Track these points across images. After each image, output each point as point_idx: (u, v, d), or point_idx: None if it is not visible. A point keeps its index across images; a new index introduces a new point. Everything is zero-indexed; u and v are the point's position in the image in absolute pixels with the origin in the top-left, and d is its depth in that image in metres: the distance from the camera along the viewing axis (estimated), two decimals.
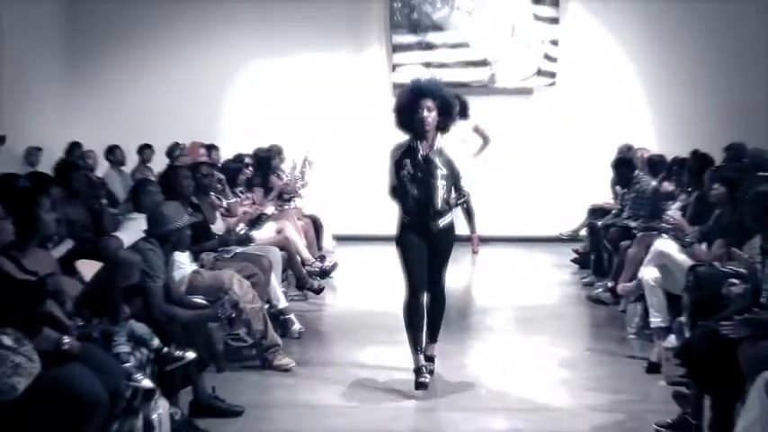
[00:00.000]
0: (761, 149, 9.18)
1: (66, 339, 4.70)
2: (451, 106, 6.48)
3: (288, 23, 13.40)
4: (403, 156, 6.41)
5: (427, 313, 6.65)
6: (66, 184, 7.74)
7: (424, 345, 6.62)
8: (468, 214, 11.73)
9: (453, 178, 6.40)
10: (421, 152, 6.37)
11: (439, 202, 6.34)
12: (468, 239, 11.74)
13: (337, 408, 6.27)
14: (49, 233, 5.47)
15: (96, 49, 13.57)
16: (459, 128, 11.85)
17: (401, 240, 6.58)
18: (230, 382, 6.60)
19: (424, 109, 6.32)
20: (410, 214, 6.47)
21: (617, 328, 8.20)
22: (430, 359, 6.70)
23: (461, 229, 9.02)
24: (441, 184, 6.33)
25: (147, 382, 5.08)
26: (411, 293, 6.55)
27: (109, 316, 5.23)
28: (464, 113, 11.92)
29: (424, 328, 6.65)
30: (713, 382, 5.27)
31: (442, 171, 6.33)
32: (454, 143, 6.56)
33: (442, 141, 6.43)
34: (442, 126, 6.45)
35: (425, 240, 6.49)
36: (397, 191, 6.49)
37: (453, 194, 6.43)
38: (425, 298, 6.61)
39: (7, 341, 4.23)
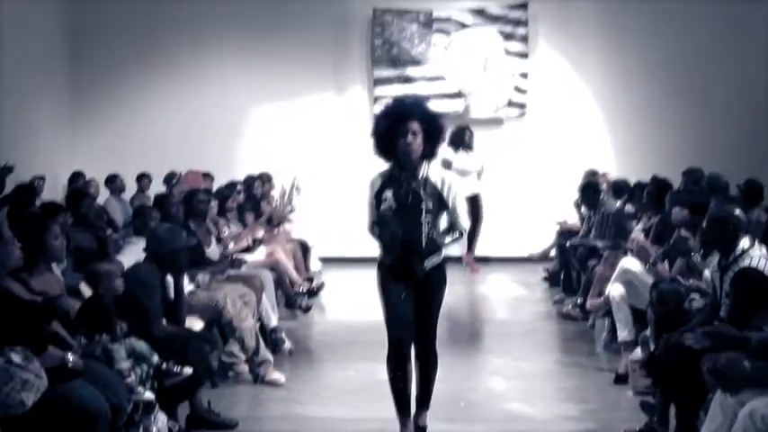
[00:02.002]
0: (717, 173, 9.24)
1: (71, 357, 4.69)
2: (439, 129, 5.34)
3: (278, 66, 13.40)
4: (384, 187, 5.29)
5: (416, 374, 5.53)
6: (75, 212, 7.74)
7: (413, 412, 5.56)
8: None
9: (443, 211, 5.30)
10: (404, 183, 5.25)
11: (423, 242, 5.20)
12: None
13: (328, 420, 6.25)
14: (57, 258, 5.47)
15: (98, 85, 13.51)
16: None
17: (382, 285, 5.42)
18: (225, 397, 6.59)
19: (409, 133, 5.17)
20: (392, 254, 5.30)
21: (586, 342, 8.21)
22: (421, 430, 5.59)
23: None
24: (425, 221, 5.18)
25: (148, 395, 5.09)
26: (393, 347, 5.38)
27: (104, 330, 5.22)
28: (458, 145, 12.03)
29: (413, 389, 5.55)
30: (678, 392, 5.33)
31: (427, 205, 5.18)
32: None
33: (428, 169, 5.31)
34: (428, 152, 5.30)
35: (410, 285, 5.31)
36: (378, 227, 5.35)
37: (443, 231, 5.34)
38: (412, 353, 5.47)
39: (16, 359, 4.23)
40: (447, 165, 11.50)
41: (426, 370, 5.53)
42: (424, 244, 5.22)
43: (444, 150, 11.44)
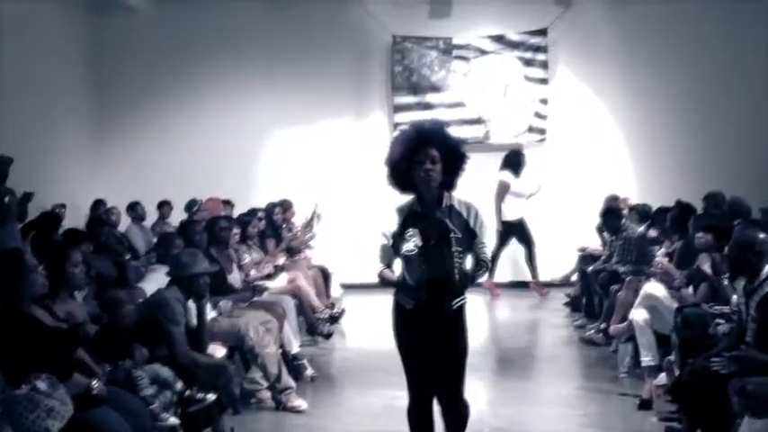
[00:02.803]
0: (738, 197, 9.17)
1: (96, 384, 4.69)
2: (460, 158, 4.78)
3: (298, 92, 13.46)
4: (405, 225, 4.72)
5: (446, 429, 5.03)
6: (95, 239, 7.75)
7: None
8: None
9: (472, 242, 4.78)
10: (428, 215, 4.71)
11: (455, 276, 4.63)
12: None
13: None
14: (77, 286, 5.48)
15: (120, 113, 13.61)
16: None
17: (400, 333, 4.88)
18: (247, 423, 6.59)
19: (428, 160, 4.65)
20: (418, 297, 4.68)
21: (609, 367, 8.14)
22: None
23: None
24: (456, 253, 4.64)
25: (172, 420, 5.07)
26: (416, 402, 4.95)
27: (119, 356, 5.22)
28: (517, 167, 12.15)
29: None
30: (704, 417, 5.26)
31: (456, 234, 4.65)
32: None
33: (450, 198, 4.82)
34: (447, 183, 4.78)
35: (433, 331, 4.73)
36: (402, 270, 4.75)
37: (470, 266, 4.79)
38: (434, 407, 5.00)
39: (42, 386, 4.21)
40: (505, 188, 11.93)
41: (456, 427, 5.00)
42: (457, 279, 4.65)
43: (502, 174, 12.06)
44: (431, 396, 4.94)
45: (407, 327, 4.83)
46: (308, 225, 11.05)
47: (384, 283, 4.84)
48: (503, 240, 12.16)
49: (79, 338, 5.03)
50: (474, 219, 4.80)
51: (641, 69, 13.22)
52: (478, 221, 4.82)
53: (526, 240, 12.28)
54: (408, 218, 4.76)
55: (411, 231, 4.66)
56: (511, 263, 12.78)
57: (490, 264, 5.08)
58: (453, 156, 4.76)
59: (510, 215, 12.10)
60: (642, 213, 10.17)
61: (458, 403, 4.94)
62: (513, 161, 12.16)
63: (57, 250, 5.45)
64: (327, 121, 13.58)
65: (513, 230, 12.18)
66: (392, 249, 4.78)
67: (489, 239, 5.31)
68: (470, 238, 4.76)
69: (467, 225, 4.76)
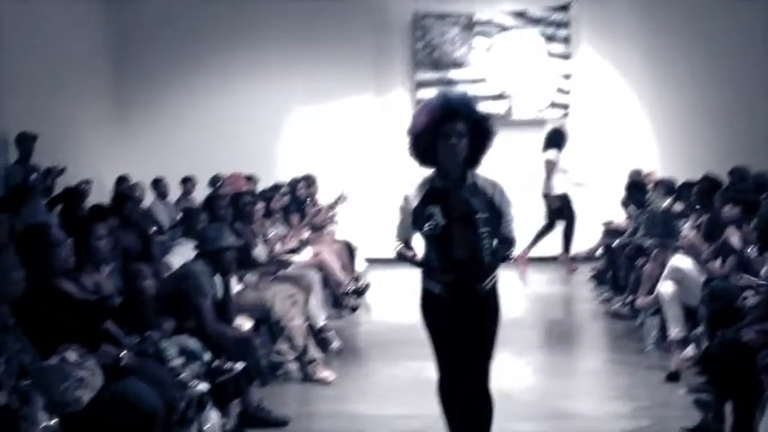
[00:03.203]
0: (763, 171, 9.08)
1: (124, 354, 4.70)
2: (487, 133, 4.47)
3: (320, 69, 13.39)
4: (426, 202, 4.43)
5: (466, 419, 4.68)
6: (121, 214, 7.75)
7: None
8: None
9: (498, 221, 4.47)
10: (452, 193, 4.42)
11: (486, 256, 4.37)
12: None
13: (377, 418, 6.20)
14: (101, 259, 5.47)
15: (142, 90, 13.63)
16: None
17: (428, 317, 4.62)
18: (275, 395, 6.58)
19: (454, 134, 4.34)
20: (444, 280, 4.45)
21: (635, 340, 8.08)
22: None
23: None
24: (484, 232, 4.36)
25: (201, 386, 5.06)
26: (447, 375, 4.68)
27: (146, 327, 5.22)
28: (560, 145, 12.01)
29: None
30: (734, 389, 5.19)
31: (483, 214, 4.37)
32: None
33: (475, 175, 4.51)
34: (472, 159, 4.48)
35: (463, 314, 4.47)
36: (424, 250, 4.51)
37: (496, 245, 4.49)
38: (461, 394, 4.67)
39: (72, 357, 4.21)
40: (552, 166, 11.84)
41: (479, 417, 4.65)
42: (486, 260, 4.38)
43: (547, 153, 11.94)
44: (459, 378, 4.62)
45: (437, 312, 4.55)
46: (332, 206, 11.04)
47: (402, 260, 4.58)
48: (552, 217, 12.12)
49: (107, 310, 5.02)
50: (500, 197, 4.48)
51: (663, 44, 13.13)
52: (504, 199, 4.50)
53: (569, 215, 12.17)
54: (429, 194, 4.45)
55: (432, 209, 4.36)
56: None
57: (515, 241, 4.57)
58: (480, 131, 4.45)
59: (557, 190, 12.02)
60: (667, 187, 10.08)
61: (482, 395, 4.61)
62: (557, 139, 12.05)
63: (82, 224, 5.46)
64: (348, 98, 13.55)
65: (559, 205, 12.08)
66: (411, 225, 4.51)
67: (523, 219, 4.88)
68: (497, 217, 4.44)
69: (492, 204, 4.44)
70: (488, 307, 4.56)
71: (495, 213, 4.44)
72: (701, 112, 13.07)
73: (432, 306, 4.57)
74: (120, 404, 4.32)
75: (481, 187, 4.47)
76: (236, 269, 6.64)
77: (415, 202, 4.47)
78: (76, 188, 9.94)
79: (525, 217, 4.31)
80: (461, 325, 4.50)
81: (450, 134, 4.35)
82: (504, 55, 13.34)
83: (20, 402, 3.75)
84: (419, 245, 4.56)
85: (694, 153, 12.46)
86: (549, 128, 12.85)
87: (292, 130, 13.65)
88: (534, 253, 12.50)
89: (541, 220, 12.29)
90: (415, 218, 4.46)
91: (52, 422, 3.71)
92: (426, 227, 4.35)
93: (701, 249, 7.18)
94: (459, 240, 4.37)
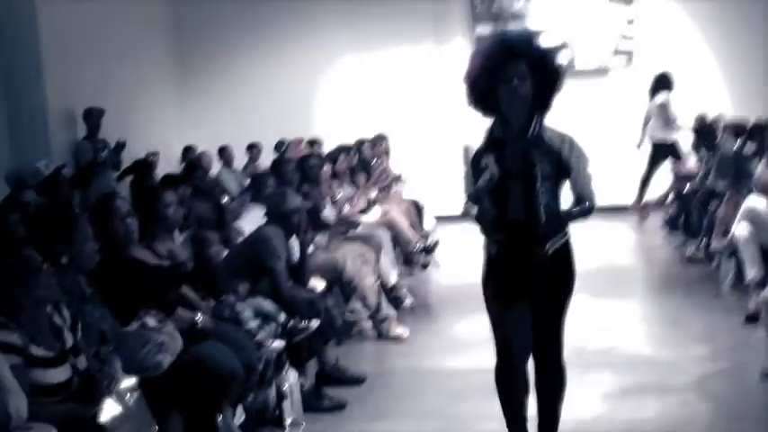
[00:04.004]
0: None
1: (201, 317, 4.76)
2: (554, 73, 3.94)
3: (378, 19, 13.27)
4: (483, 152, 3.97)
5: (537, 396, 4.25)
6: (192, 183, 7.85)
7: None
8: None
9: (564, 179, 3.98)
10: (510, 144, 3.94)
11: (543, 215, 3.86)
12: None
13: (453, 372, 6.21)
14: (171, 226, 5.52)
15: (202, 61, 13.71)
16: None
17: (488, 283, 4.12)
18: (351, 353, 6.63)
19: (515, 76, 3.84)
20: (499, 240, 4.02)
21: (712, 284, 7.98)
22: None
23: None
24: (542, 190, 3.86)
25: (278, 343, 5.11)
26: (504, 360, 4.17)
27: (219, 292, 5.28)
28: (670, 88, 11.67)
29: (529, 411, 4.29)
30: None
31: (543, 169, 3.87)
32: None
33: (540, 124, 3.98)
34: (541, 103, 3.95)
35: (526, 279, 3.99)
36: (475, 204, 3.95)
37: (571, 204, 4.02)
38: (528, 367, 4.22)
39: (151, 322, 4.28)
40: (666, 109, 11.56)
41: (551, 393, 4.22)
42: (543, 220, 3.86)
43: (659, 97, 11.62)
44: (525, 360, 4.16)
45: (496, 274, 4.08)
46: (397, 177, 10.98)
47: (469, 217, 4.07)
48: (654, 161, 11.86)
49: (181, 276, 5.08)
50: (569, 150, 3.94)
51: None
52: (575, 153, 3.95)
53: (653, 164, 11.92)
54: (487, 144, 4.01)
55: (486, 159, 3.89)
56: (607, 188, 12.54)
57: (595, 204, 3.99)
58: (546, 70, 3.91)
59: (667, 136, 11.73)
60: (736, 129, 9.87)
61: (553, 370, 4.17)
62: (665, 83, 11.74)
63: (150, 193, 5.52)
64: (407, 47, 13.38)
65: (667, 152, 11.83)
66: (472, 178, 3.98)
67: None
68: (563, 173, 3.94)
69: (559, 159, 3.92)
70: (553, 273, 4.02)
71: (562, 169, 3.93)
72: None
73: (491, 269, 4.11)
74: (199, 367, 4.38)
75: (547, 139, 3.94)
76: (307, 231, 6.67)
77: (471, 153, 4.04)
78: (145, 160, 10.08)
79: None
80: (518, 294, 4.03)
81: (511, 77, 3.85)
82: (563, 4, 13.10)
83: (100, 367, 3.82)
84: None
85: (766, 95, 12.10)
86: (613, 76, 12.64)
87: (353, 88, 13.56)
88: (604, 202, 12.34)
89: (611, 164, 12.03)
90: (473, 170, 3.98)
91: (132, 381, 3.77)
92: (481, 180, 3.84)
93: None
94: (514, 196, 3.89)
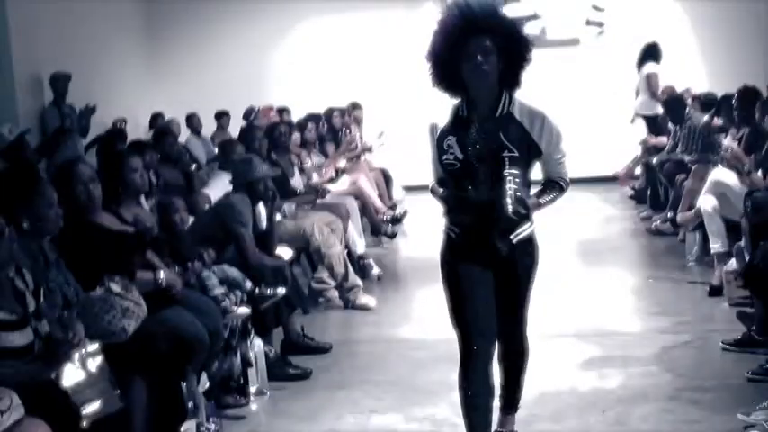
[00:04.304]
0: None
1: (162, 274, 4.72)
2: (522, 45, 3.71)
3: None
4: (447, 132, 3.76)
5: (501, 375, 4.10)
6: (161, 149, 7.81)
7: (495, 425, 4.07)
8: None
9: (534, 161, 3.76)
10: (476, 123, 3.71)
11: (509, 205, 3.58)
12: None
13: (419, 341, 6.23)
14: (137, 191, 5.49)
15: (172, 25, 13.62)
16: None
17: (448, 269, 3.88)
18: (317, 322, 6.65)
19: (477, 52, 3.59)
20: (462, 225, 3.79)
21: (677, 256, 8.06)
22: None
23: None
24: (510, 175, 3.59)
25: (243, 309, 5.12)
26: (468, 356, 3.82)
27: (184, 259, 5.26)
28: (658, 58, 11.35)
29: (492, 411, 3.92)
30: None
31: (511, 152, 3.62)
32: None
33: (509, 102, 3.72)
34: (508, 79, 3.72)
35: (489, 267, 3.77)
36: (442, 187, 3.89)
37: (536, 192, 3.79)
38: (494, 352, 3.88)
39: (116, 288, 4.25)
40: (656, 79, 11.24)
41: (514, 371, 4.12)
42: (509, 208, 3.57)
43: (646, 66, 11.27)
44: (489, 355, 3.83)
45: (455, 263, 3.83)
46: (370, 148, 10.92)
47: (436, 197, 3.96)
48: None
49: (146, 242, 5.05)
50: (540, 130, 3.69)
51: None
52: (546, 132, 3.71)
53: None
54: (453, 123, 3.78)
55: (450, 140, 3.70)
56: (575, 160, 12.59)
57: (567, 186, 3.82)
58: (512, 44, 3.68)
59: (652, 109, 11.43)
60: (706, 102, 9.94)
61: (517, 351, 4.06)
62: (653, 52, 11.44)
63: (116, 158, 5.50)
64: (376, 12, 13.39)
65: (652, 125, 11.51)
66: (436, 159, 3.82)
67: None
68: (533, 155, 3.71)
69: (530, 139, 3.68)
70: (518, 262, 3.80)
71: (534, 150, 3.70)
72: (746, 20, 12.69)
73: (451, 255, 3.86)
74: (164, 333, 4.36)
75: (518, 117, 3.69)
76: (275, 198, 6.66)
77: (438, 132, 3.80)
78: (117, 128, 10.03)
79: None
80: (485, 280, 3.79)
81: (474, 52, 3.60)
82: None
83: (63, 332, 3.80)
84: None
85: (741, 66, 12.07)
86: (584, 47, 12.66)
87: (321, 54, 13.50)
88: (573, 174, 12.40)
89: (579, 135, 12.05)
90: (437, 150, 3.79)
91: (94, 346, 3.75)
92: (444, 160, 3.72)
93: (743, 161, 7.07)
94: (480, 180, 3.65)
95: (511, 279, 3.83)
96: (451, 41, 3.68)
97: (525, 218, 3.71)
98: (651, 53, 11.52)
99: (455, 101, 3.83)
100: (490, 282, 3.80)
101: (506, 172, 3.60)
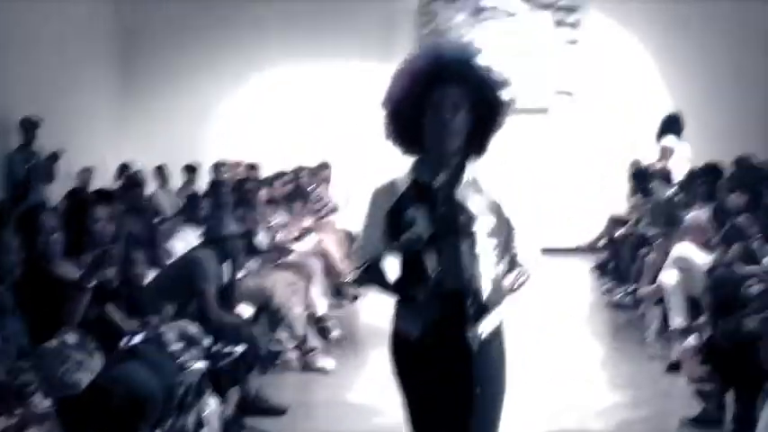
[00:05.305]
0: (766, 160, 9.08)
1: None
2: (497, 104, 3.14)
3: (325, 53, 13.44)
4: (405, 202, 3.13)
5: None
6: (129, 200, 7.82)
7: None
8: None
9: (505, 236, 3.18)
10: (441, 192, 3.11)
11: (485, 287, 3.08)
12: None
13: (376, 407, 6.16)
14: (100, 242, 5.48)
15: (146, 75, 13.67)
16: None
17: (401, 371, 3.29)
18: (274, 383, 6.58)
19: (446, 105, 3.06)
20: (422, 315, 3.14)
21: (637, 330, 8.09)
22: None
23: None
24: (483, 250, 3.08)
25: (199, 365, 5.09)
26: None
27: (144, 312, 5.25)
28: (679, 131, 10.73)
29: None
30: (736, 378, 5.21)
31: (486, 225, 3.09)
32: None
33: (474, 169, 3.18)
34: (476, 143, 3.18)
35: (453, 368, 3.12)
36: (399, 271, 3.21)
37: (503, 270, 3.21)
38: None
39: (71, 340, 4.24)
40: (669, 153, 10.62)
41: None
42: (485, 292, 3.08)
43: (665, 140, 10.60)
44: None
45: (412, 364, 3.23)
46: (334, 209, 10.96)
47: (366, 285, 3.46)
48: None
49: (106, 294, 5.03)
50: (509, 203, 3.19)
51: (676, 33, 12.99)
52: (513, 205, 3.20)
53: None
54: (410, 191, 3.16)
55: (413, 212, 3.08)
56: (541, 229, 12.67)
57: (533, 268, 3.22)
58: (486, 101, 3.13)
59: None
60: (665, 177, 10.10)
61: None
62: (673, 124, 10.92)
63: (80, 207, 5.50)
64: (355, 83, 13.44)
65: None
66: (384, 234, 3.17)
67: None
68: (504, 230, 3.17)
69: (500, 212, 3.15)
70: (489, 360, 3.17)
71: (504, 225, 3.17)
72: (713, 97, 12.88)
73: (405, 355, 3.25)
74: (118, 388, 4.34)
75: (485, 187, 3.17)
76: (241, 256, 6.67)
77: (389, 202, 3.18)
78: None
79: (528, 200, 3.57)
80: (448, 386, 3.15)
81: (441, 105, 3.07)
82: (510, 41, 13.27)
83: (15, 381, 3.77)
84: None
85: (704, 139, 12.12)
86: (554, 115, 12.82)
87: (297, 118, 13.58)
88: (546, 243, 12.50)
89: (544, 205, 12.16)
90: (389, 224, 3.16)
91: (48, 404, 3.72)
92: (403, 239, 3.06)
93: (707, 233, 7.17)
94: (447, 261, 3.07)
95: (483, 378, 3.13)
96: (415, 89, 3.10)
97: (498, 304, 3.16)
98: (671, 125, 11.00)
99: (410, 161, 3.26)
100: (456, 387, 3.12)
101: (478, 247, 3.06)
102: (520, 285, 3.16)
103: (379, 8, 13.44)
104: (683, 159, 10.33)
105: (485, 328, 3.13)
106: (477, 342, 3.10)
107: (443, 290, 3.08)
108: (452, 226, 3.07)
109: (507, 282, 3.16)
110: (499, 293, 3.14)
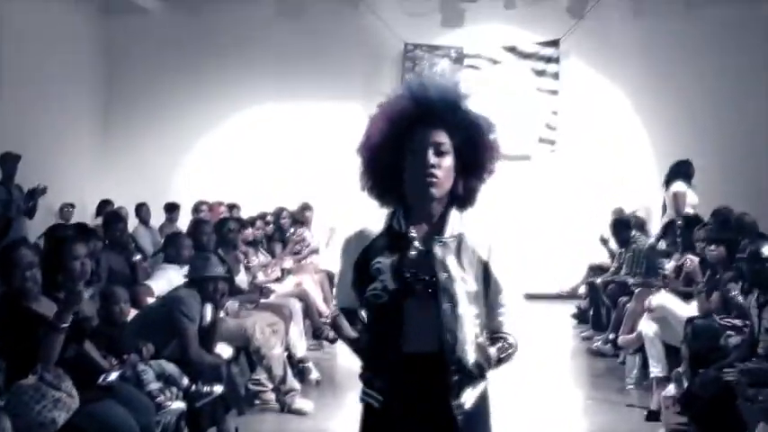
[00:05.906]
0: (744, 212, 9.08)
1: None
2: (486, 149, 2.89)
3: (310, 96, 13.56)
4: (372, 250, 2.85)
5: None
6: (110, 236, 7.79)
7: None
8: None
9: (491, 296, 2.88)
10: (416, 243, 2.82)
11: (470, 353, 2.78)
12: None
13: None
14: (78, 279, 5.45)
15: (128, 115, 13.74)
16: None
17: None
18: (251, 424, 6.55)
19: (430, 148, 2.78)
20: (395, 383, 2.81)
21: (616, 378, 8.09)
22: None
23: None
24: (465, 312, 2.76)
25: (177, 404, 5.06)
26: None
27: (122, 351, 5.21)
28: (689, 177, 10.16)
29: None
30: (714, 429, 5.22)
31: (467, 285, 2.78)
32: None
33: (459, 222, 2.87)
34: (463, 192, 2.88)
35: None
36: (363, 327, 2.95)
37: (486, 338, 2.91)
38: None
39: (48, 377, 4.20)
40: (683, 199, 10.05)
41: None
42: (468, 358, 2.78)
43: (675, 185, 10.06)
44: None
45: None
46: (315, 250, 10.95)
47: (341, 337, 3.06)
48: None
49: (84, 332, 5.00)
50: (495, 259, 2.88)
51: (654, 82, 13.14)
52: (501, 263, 2.89)
53: None
54: (382, 240, 2.87)
55: (380, 262, 2.80)
56: (521, 275, 12.69)
57: (517, 343, 2.99)
58: (474, 147, 2.86)
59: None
60: (640, 225, 10.18)
61: None
62: (684, 170, 10.38)
63: (60, 243, 5.46)
64: (337, 125, 13.51)
65: None
66: (353, 283, 2.90)
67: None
68: (490, 293, 2.88)
69: (486, 271, 2.85)
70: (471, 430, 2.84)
71: (489, 287, 2.87)
72: (692, 148, 12.94)
73: (374, 424, 2.92)
74: (94, 426, 4.31)
75: (470, 243, 2.85)
76: (223, 297, 6.64)
77: (357, 250, 2.90)
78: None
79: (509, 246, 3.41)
80: None
81: (425, 149, 2.79)
82: (492, 89, 13.38)
83: None
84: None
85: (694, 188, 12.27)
86: (537, 163, 12.90)
87: (281, 159, 13.65)
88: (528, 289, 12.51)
89: (524, 251, 12.19)
90: (357, 274, 2.89)
91: None
92: (369, 290, 2.80)
93: (697, 279, 7.23)
94: (415, 321, 2.76)
95: None
96: (395, 132, 2.82)
97: (482, 374, 2.86)
98: (681, 171, 10.47)
99: (386, 210, 2.95)
100: None
101: (460, 308, 2.74)
102: (507, 358, 2.94)
103: (362, 52, 13.59)
104: (688, 206, 10.01)
105: (468, 398, 2.82)
106: (460, 412, 2.79)
107: (406, 353, 2.76)
108: (429, 283, 2.76)
109: (493, 352, 2.88)
110: (488, 362, 2.84)
